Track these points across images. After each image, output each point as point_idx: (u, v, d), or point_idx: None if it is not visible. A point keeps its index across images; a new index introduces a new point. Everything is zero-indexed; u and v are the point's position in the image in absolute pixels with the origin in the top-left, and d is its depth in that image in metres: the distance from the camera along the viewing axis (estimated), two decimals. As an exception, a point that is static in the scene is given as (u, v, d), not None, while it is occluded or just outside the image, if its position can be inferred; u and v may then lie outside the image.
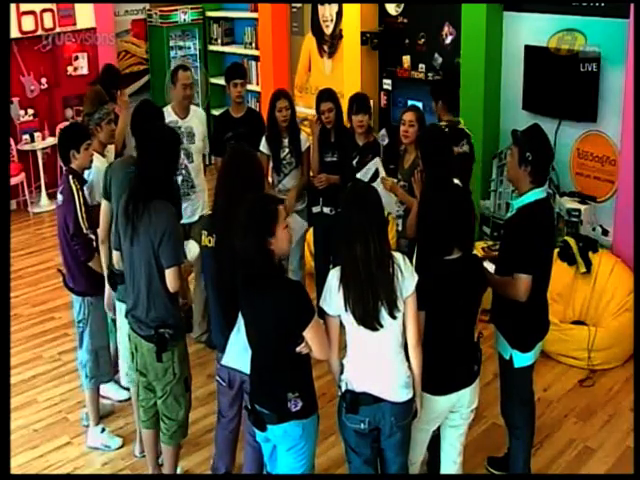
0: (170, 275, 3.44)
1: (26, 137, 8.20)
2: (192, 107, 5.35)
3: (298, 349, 2.95)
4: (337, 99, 5.16)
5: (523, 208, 3.47)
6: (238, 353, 3.38)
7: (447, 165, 4.03)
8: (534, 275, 3.37)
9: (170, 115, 5.12)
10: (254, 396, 3.09)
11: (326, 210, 5.24)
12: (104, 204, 4.08)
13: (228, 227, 3.27)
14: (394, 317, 2.93)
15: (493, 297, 3.63)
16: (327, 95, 5.14)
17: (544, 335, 3.70)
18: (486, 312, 3.81)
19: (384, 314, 2.92)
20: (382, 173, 4.73)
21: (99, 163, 4.27)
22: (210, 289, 3.60)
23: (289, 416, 2.98)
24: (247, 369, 3.20)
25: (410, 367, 3.05)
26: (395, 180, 4.64)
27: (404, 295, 2.95)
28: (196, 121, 5.30)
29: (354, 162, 5.00)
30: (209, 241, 3.49)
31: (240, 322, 3.29)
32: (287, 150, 5.18)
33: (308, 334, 2.93)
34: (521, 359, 3.59)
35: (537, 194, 3.45)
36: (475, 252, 3.58)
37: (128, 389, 4.37)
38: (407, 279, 2.95)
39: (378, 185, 4.46)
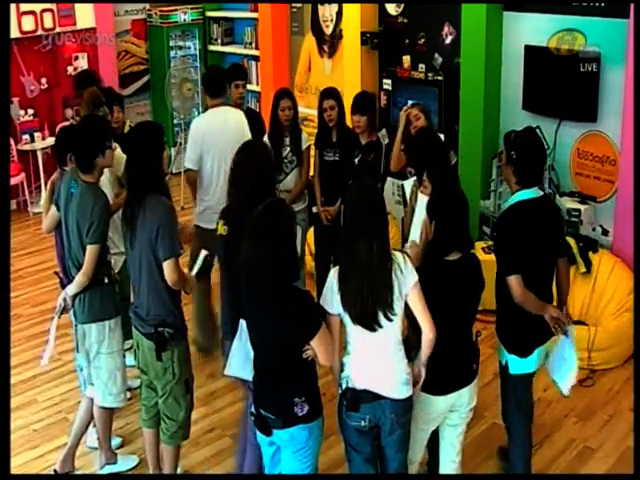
0: (167, 267, 3.44)
1: (26, 137, 8.20)
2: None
3: (304, 355, 2.92)
4: (340, 98, 5.16)
5: (507, 209, 3.47)
6: (241, 362, 3.37)
7: (443, 166, 4.02)
8: (523, 275, 3.31)
9: None
10: (259, 401, 3.05)
11: (327, 210, 5.25)
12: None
13: (240, 219, 3.26)
14: (390, 320, 2.93)
15: (496, 302, 3.59)
16: (330, 93, 5.15)
17: (544, 340, 3.57)
18: (485, 312, 3.80)
19: (381, 316, 2.92)
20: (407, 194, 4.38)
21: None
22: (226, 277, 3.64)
23: (296, 420, 2.94)
24: (251, 377, 3.18)
25: (409, 364, 3.05)
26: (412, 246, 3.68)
27: (404, 292, 2.94)
28: None
29: (356, 160, 5.00)
30: (224, 230, 3.52)
31: (241, 329, 3.28)
32: (288, 149, 5.19)
33: (314, 342, 2.90)
34: (517, 366, 3.53)
35: (523, 195, 3.41)
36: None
37: (129, 389, 4.37)
38: (407, 276, 2.94)
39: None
